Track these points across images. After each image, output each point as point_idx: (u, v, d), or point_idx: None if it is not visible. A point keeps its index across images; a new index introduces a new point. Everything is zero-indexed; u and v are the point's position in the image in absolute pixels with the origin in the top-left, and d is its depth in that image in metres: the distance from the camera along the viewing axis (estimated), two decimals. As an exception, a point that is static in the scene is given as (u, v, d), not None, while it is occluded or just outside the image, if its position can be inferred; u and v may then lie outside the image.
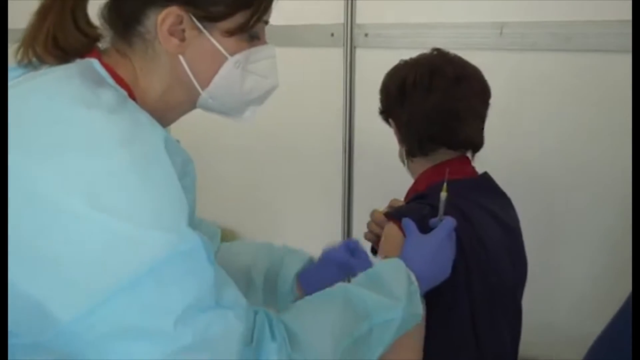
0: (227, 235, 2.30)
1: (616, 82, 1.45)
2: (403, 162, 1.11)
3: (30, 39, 0.67)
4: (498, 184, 1.10)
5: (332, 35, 1.91)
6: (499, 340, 0.99)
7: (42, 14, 0.67)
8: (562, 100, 1.56)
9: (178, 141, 0.67)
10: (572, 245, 1.64)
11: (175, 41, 0.69)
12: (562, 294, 1.68)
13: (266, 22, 0.75)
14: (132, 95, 0.69)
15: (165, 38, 0.68)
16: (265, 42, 0.77)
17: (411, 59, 1.06)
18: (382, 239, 0.99)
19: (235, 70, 0.73)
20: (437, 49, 1.07)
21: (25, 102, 0.61)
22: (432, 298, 0.88)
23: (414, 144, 1.04)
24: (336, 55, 1.92)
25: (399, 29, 1.78)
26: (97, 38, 0.71)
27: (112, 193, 0.56)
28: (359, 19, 1.86)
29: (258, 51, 0.75)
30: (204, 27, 0.69)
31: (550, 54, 1.54)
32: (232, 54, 0.72)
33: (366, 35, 1.85)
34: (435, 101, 0.99)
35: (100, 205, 0.55)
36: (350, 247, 1.00)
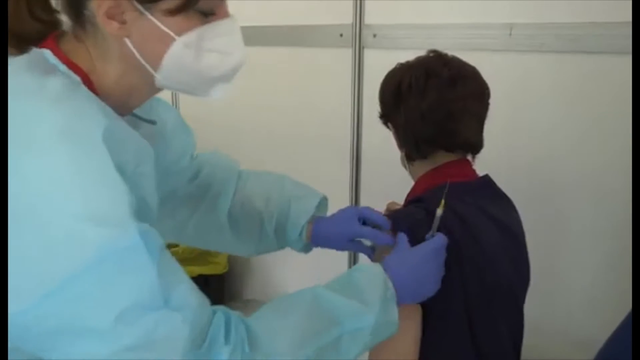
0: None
1: (623, 84, 1.44)
2: (405, 166, 1.11)
3: None
4: (504, 186, 1.08)
5: (341, 35, 1.92)
6: (497, 341, 0.99)
7: None
8: (569, 102, 1.55)
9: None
10: (576, 248, 1.63)
11: (115, 24, 0.65)
12: (565, 297, 1.66)
13: None
14: (88, 81, 0.67)
15: (105, 22, 0.65)
16: (225, 16, 0.71)
17: (407, 62, 1.04)
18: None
19: (187, 50, 0.68)
20: (434, 51, 1.05)
21: None
22: (428, 301, 0.87)
23: (411, 147, 1.03)
24: (345, 56, 1.93)
25: (407, 29, 1.78)
26: (54, 24, 0.69)
27: (50, 190, 0.56)
28: (368, 20, 1.87)
29: (214, 27, 0.70)
30: (144, 8, 0.65)
31: (558, 55, 1.53)
32: (179, 34, 0.67)
33: (375, 35, 1.86)
34: (430, 103, 0.97)
35: (38, 203, 0.55)
36: (364, 215, 1.00)
